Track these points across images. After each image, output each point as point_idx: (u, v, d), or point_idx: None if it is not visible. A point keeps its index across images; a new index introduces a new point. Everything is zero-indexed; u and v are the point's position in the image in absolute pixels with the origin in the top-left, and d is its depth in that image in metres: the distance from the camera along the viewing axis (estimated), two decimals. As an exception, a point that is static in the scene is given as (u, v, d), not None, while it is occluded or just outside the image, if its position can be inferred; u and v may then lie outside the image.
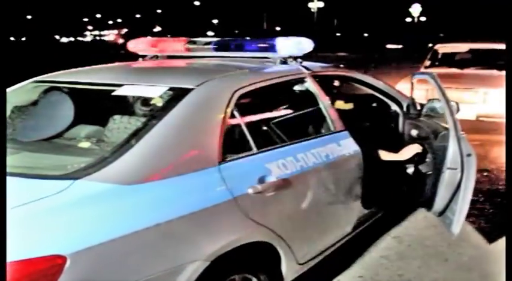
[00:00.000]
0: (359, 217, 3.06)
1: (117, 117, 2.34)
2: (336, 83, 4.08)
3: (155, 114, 2.20)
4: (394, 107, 3.81)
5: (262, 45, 2.96)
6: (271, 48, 2.90)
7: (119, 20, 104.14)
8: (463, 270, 3.17)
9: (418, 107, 3.66)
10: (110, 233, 1.69)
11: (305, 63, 3.06)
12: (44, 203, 1.66)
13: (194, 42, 3.26)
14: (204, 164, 2.08)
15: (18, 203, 1.62)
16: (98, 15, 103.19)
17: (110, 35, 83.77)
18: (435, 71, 7.80)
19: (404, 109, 3.73)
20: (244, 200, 2.13)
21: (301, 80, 2.91)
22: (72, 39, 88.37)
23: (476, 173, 3.07)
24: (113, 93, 2.41)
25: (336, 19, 58.92)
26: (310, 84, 2.92)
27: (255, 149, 2.33)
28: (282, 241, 2.35)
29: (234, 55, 3.12)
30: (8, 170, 1.74)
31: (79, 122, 2.59)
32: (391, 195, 3.53)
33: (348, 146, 2.89)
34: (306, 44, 2.99)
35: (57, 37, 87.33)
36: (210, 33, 57.00)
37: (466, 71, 7.68)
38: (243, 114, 2.39)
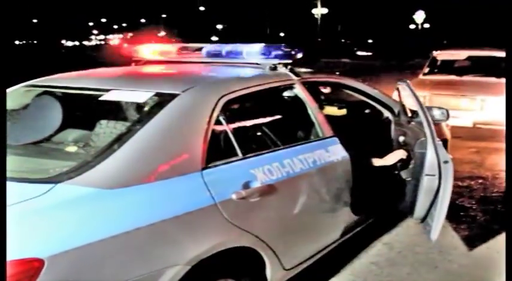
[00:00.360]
0: (347, 223, 3.06)
1: (103, 121, 2.37)
2: (328, 89, 4.10)
3: (140, 119, 2.22)
4: (386, 113, 3.82)
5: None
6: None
7: (124, 25, 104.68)
8: (452, 277, 3.16)
9: (409, 114, 3.67)
10: (89, 237, 1.70)
11: (297, 69, 3.08)
12: (23, 206, 1.67)
13: (186, 48, 3.29)
14: (187, 169, 2.09)
15: None
16: (103, 20, 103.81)
17: (114, 40, 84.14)
18: (434, 77, 7.87)
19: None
20: (227, 206, 2.14)
21: (289, 86, 2.92)
22: (77, 43, 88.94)
23: (453, 179, 3.07)
24: (100, 98, 2.43)
25: (339, 25, 58.94)
26: (299, 91, 2.93)
27: (240, 155, 2.34)
28: (267, 247, 2.35)
29: (225, 61, 3.14)
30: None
31: (68, 127, 2.62)
32: (380, 201, 3.53)
33: (336, 152, 2.90)
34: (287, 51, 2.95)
35: (63, 41, 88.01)
36: (214, 38, 57.22)
37: (464, 78, 7.68)
38: (229, 120, 2.40)
